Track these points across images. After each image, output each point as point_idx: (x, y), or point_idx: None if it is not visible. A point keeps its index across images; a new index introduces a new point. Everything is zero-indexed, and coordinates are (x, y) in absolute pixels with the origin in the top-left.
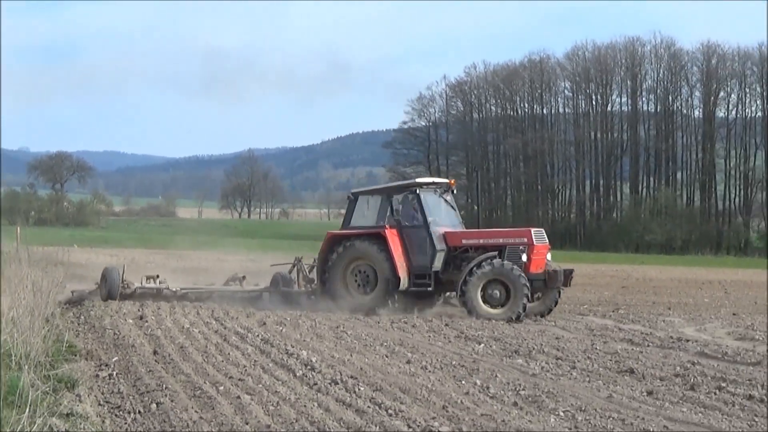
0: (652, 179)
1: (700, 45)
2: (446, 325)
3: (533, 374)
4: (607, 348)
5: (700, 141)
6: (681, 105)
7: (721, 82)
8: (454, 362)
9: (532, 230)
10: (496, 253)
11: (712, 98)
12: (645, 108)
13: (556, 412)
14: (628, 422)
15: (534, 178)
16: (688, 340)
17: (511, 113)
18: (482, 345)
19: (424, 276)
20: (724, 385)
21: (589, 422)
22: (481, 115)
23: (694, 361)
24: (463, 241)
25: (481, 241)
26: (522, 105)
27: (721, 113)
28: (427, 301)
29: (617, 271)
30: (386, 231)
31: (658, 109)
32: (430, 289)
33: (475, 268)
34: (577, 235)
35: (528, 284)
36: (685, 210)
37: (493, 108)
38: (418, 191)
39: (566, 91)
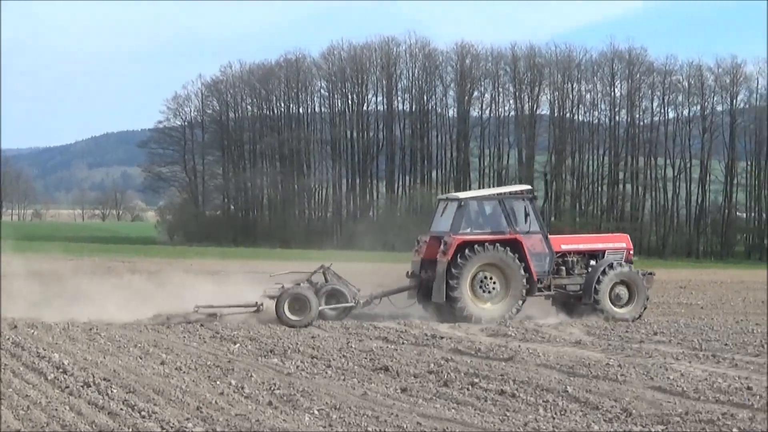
0: (407, 178)
1: (454, 45)
2: (201, 325)
3: (288, 373)
4: (362, 346)
5: (455, 140)
6: (436, 104)
7: (475, 81)
8: (209, 363)
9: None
10: (621, 257)
11: (467, 97)
12: (400, 107)
13: (311, 411)
14: (382, 419)
15: (290, 178)
16: (442, 337)
17: (268, 112)
18: (238, 345)
19: (541, 281)
20: (477, 380)
21: (344, 420)
22: (237, 115)
23: (448, 357)
24: (562, 247)
25: (581, 246)
26: (278, 104)
27: (475, 112)
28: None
29: (378, 268)
30: (522, 237)
31: (414, 109)
32: (552, 293)
33: (606, 270)
34: (334, 234)
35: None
36: None
37: (249, 107)
38: (528, 199)
39: (322, 91)
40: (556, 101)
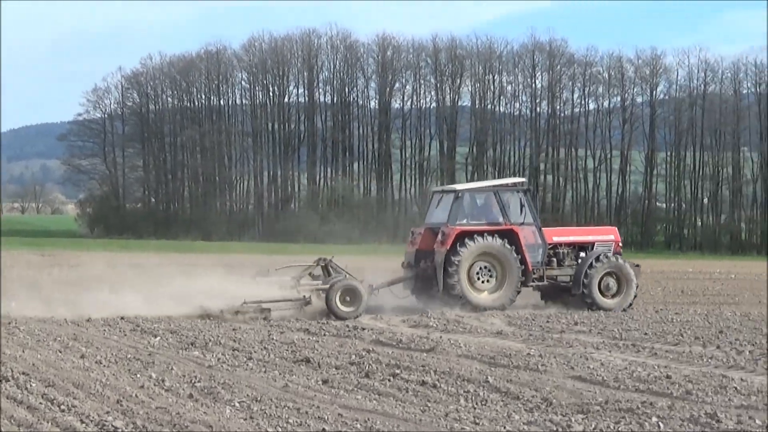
0: (329, 170)
1: (375, 37)
2: (122, 318)
3: (209, 366)
4: (283, 338)
5: (376, 131)
6: (357, 96)
7: (396, 73)
8: (129, 356)
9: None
10: (610, 249)
11: (388, 89)
12: (321, 99)
13: (232, 403)
14: (303, 411)
15: (211, 170)
16: (363, 329)
17: (188, 105)
18: (158, 338)
19: (535, 272)
20: (398, 371)
21: (265, 412)
22: (157, 107)
23: (370, 348)
24: (554, 239)
25: (572, 238)
26: (199, 96)
27: (396, 104)
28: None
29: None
30: (517, 228)
31: (335, 100)
32: (544, 284)
33: (594, 262)
34: (256, 227)
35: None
36: (362, 200)
37: (169, 99)
38: (523, 191)
39: (243, 83)
40: (478, 93)
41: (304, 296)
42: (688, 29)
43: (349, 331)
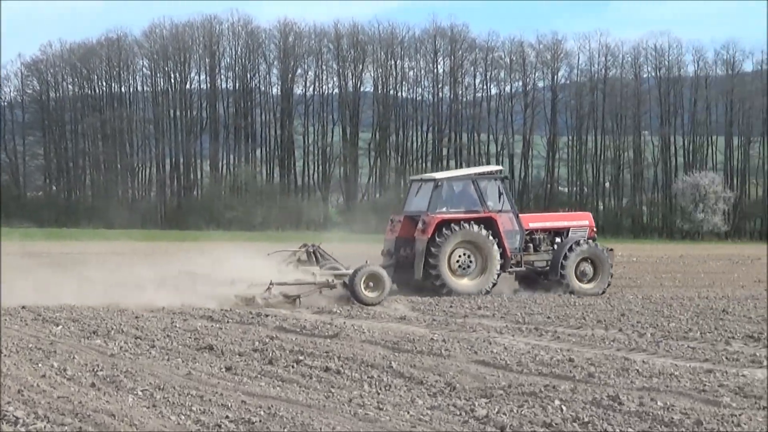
0: (232, 156)
1: (277, 23)
2: (23, 307)
3: (112, 354)
4: (186, 326)
5: (279, 118)
6: (259, 82)
7: (298, 59)
8: (30, 345)
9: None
10: (584, 234)
11: (290, 75)
12: (223, 85)
13: (135, 392)
14: (206, 398)
15: (113, 157)
16: (267, 315)
17: (89, 92)
18: (60, 327)
19: (513, 258)
20: (301, 358)
21: (168, 400)
22: (58, 94)
23: (273, 335)
24: (530, 225)
25: (548, 224)
26: (100, 83)
27: (298, 90)
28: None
29: (193, 246)
30: (496, 215)
31: (237, 87)
32: (522, 269)
33: (572, 248)
34: (158, 214)
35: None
36: (265, 186)
37: (70, 87)
38: (500, 179)
39: (144, 69)
40: (380, 78)
41: (328, 280)
42: (589, 14)
43: (253, 318)
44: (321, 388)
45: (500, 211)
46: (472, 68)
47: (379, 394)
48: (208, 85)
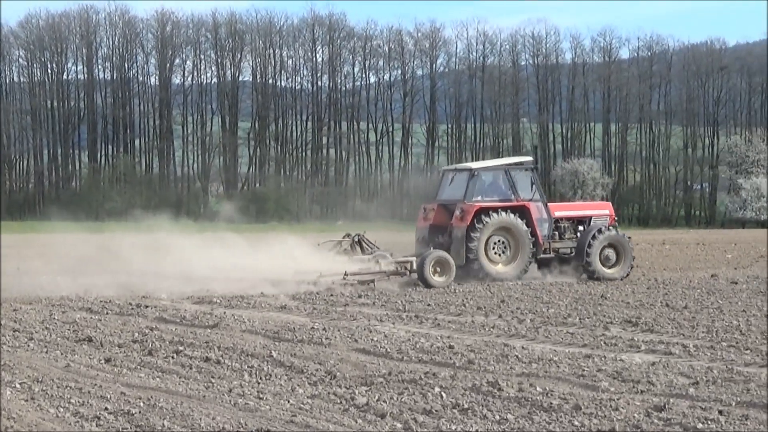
0: (110, 147)
1: (154, 12)
2: None
3: None
4: (65, 317)
5: (157, 108)
6: (137, 72)
7: (176, 49)
8: None
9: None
10: (605, 222)
11: (168, 65)
12: (101, 76)
13: (13, 385)
14: (85, 390)
15: None
16: (147, 306)
17: None
18: None
19: (543, 244)
20: (181, 348)
21: (46, 393)
22: None
23: (153, 326)
24: (556, 213)
25: (572, 213)
26: None
27: (177, 80)
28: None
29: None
30: (529, 204)
31: (115, 77)
32: (551, 255)
33: (596, 235)
34: (36, 205)
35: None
36: (144, 177)
37: None
38: (531, 169)
39: (21, 60)
40: (259, 67)
41: (397, 268)
42: (467, 1)
43: (133, 308)
44: (201, 379)
45: (531, 199)
46: (351, 57)
47: (259, 383)
48: (86, 75)
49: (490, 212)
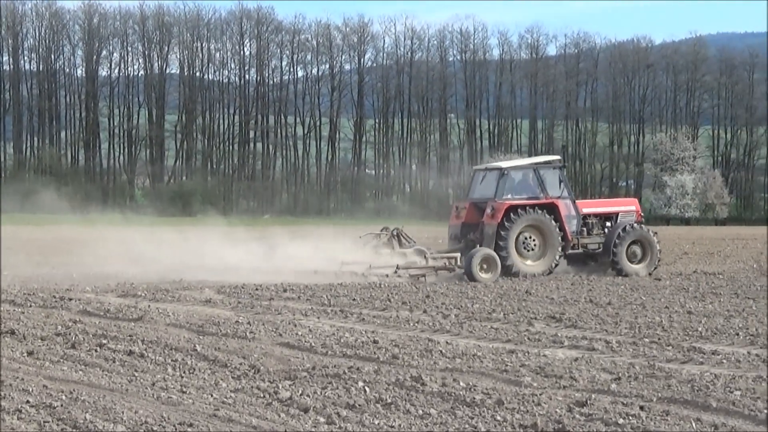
0: (36, 139)
1: (81, 4)
2: None
3: None
4: None
5: (84, 100)
6: (64, 64)
7: (103, 41)
8: None
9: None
10: (632, 219)
11: (95, 57)
12: (27, 67)
13: None
14: (7, 383)
15: None
16: (71, 299)
17: None
18: None
19: (571, 240)
20: (105, 341)
21: None
22: None
23: (77, 319)
24: (584, 210)
25: (599, 209)
26: None
27: (104, 72)
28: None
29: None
30: (558, 201)
31: (41, 68)
32: (579, 251)
33: (622, 231)
34: None
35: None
36: (69, 169)
37: None
38: (559, 167)
39: None
40: (186, 60)
41: (453, 262)
42: None
43: (56, 301)
44: (124, 372)
45: (560, 197)
46: (279, 51)
47: (182, 377)
48: (11, 66)
49: (520, 210)
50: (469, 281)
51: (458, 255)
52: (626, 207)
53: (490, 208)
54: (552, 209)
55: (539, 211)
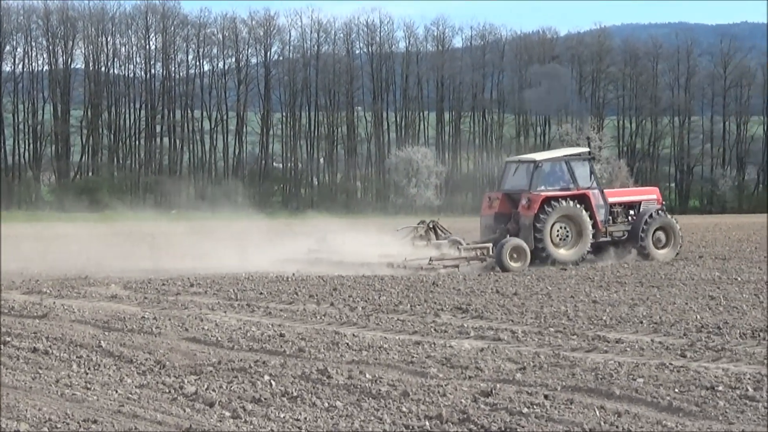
0: None
1: None
2: None
3: None
4: None
5: None
6: None
7: (6, 36)
8: None
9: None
10: (654, 207)
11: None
12: None
13: None
14: None
15: None
16: None
17: None
18: None
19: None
20: (9, 339)
21: None
22: None
23: None
24: (610, 199)
25: (624, 198)
26: None
27: (7, 67)
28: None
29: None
30: (588, 192)
31: None
32: (607, 239)
33: (649, 218)
34: None
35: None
36: None
37: None
38: (589, 159)
39: None
40: (91, 55)
41: (486, 252)
42: None
43: None
44: (28, 370)
45: (590, 188)
46: (185, 45)
47: (87, 373)
48: None
49: (554, 201)
50: (501, 271)
51: (490, 245)
52: (648, 195)
53: (525, 199)
54: (583, 199)
55: (572, 202)
